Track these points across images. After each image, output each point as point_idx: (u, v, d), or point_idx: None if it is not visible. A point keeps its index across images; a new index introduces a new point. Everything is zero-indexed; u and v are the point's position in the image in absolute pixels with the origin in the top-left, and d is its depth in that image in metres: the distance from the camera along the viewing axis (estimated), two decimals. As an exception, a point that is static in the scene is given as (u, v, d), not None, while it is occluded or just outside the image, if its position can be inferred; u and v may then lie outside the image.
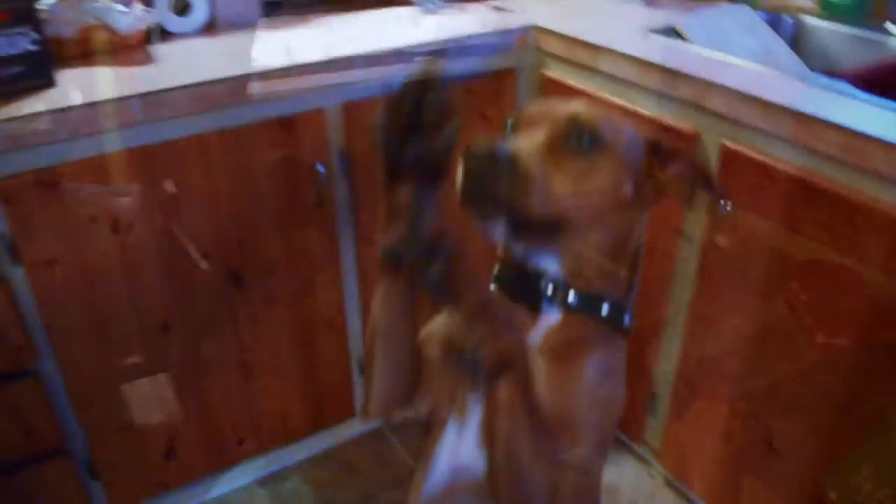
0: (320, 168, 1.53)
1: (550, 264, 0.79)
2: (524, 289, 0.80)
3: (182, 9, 1.65)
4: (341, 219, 1.63)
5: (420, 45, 1.58)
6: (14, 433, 1.41)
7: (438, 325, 0.85)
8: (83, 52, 1.51)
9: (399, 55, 1.54)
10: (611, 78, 1.54)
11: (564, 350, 0.78)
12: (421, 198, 0.67)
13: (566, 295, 0.79)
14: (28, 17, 1.30)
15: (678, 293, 1.52)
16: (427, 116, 0.64)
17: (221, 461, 1.74)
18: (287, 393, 1.75)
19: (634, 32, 1.62)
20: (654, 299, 1.56)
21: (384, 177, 0.69)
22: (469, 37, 1.64)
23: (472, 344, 0.64)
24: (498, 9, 1.83)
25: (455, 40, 1.62)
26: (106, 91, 1.33)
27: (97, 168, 1.32)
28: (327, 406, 1.84)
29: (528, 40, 1.71)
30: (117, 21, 1.49)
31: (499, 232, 0.73)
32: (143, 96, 1.32)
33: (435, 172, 0.67)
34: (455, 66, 1.62)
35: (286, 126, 1.48)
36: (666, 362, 1.60)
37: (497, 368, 0.67)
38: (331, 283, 1.69)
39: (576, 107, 0.78)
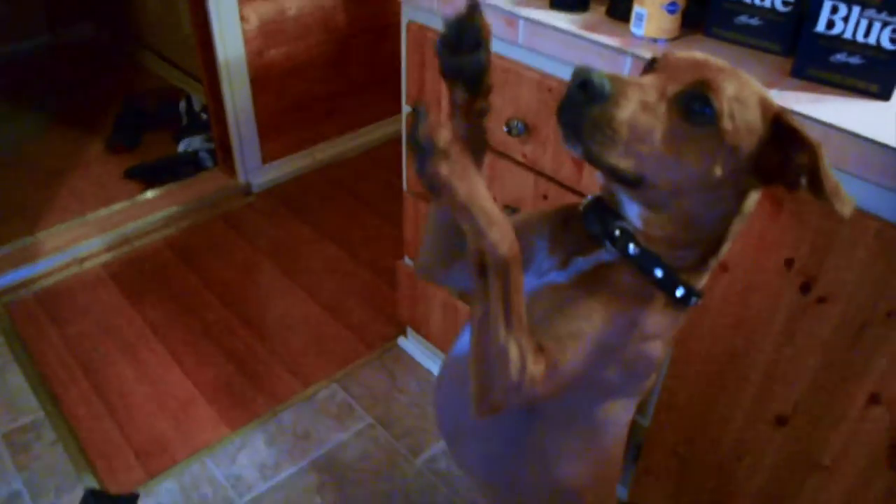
0: None
1: (630, 208, 0.81)
2: (598, 219, 0.84)
3: None
4: None
5: None
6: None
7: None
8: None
9: None
10: None
11: (600, 287, 0.83)
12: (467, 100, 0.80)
13: (628, 242, 0.81)
14: (898, 7, 0.99)
15: None
16: (466, 42, 0.77)
17: None
18: None
19: None
20: None
21: (445, 81, 0.81)
22: None
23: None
24: None
25: None
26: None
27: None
28: None
29: None
30: None
31: (577, 154, 0.75)
32: None
33: (474, 82, 0.79)
34: None
35: None
36: None
37: (481, 266, 0.73)
38: None
39: (714, 74, 0.74)
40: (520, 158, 1.44)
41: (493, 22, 1.36)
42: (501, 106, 1.41)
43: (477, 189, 0.71)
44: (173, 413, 1.86)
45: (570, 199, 1.39)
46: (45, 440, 1.78)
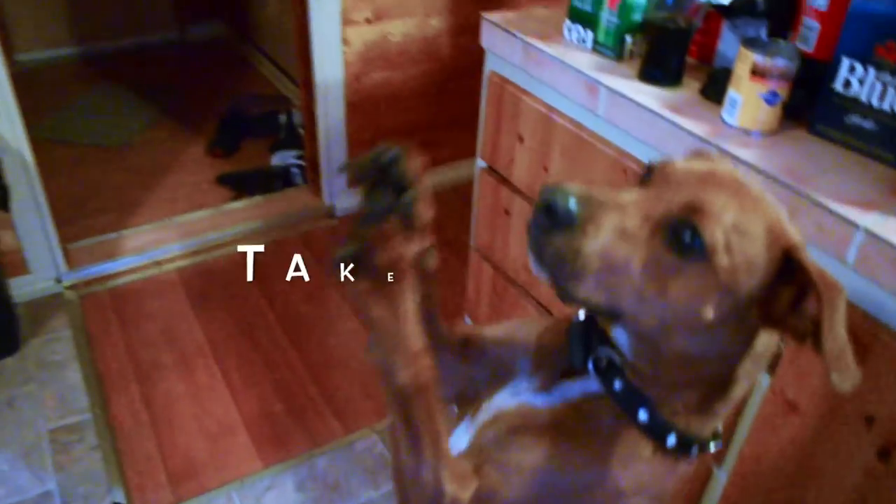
0: None
1: (619, 335, 0.70)
2: (583, 344, 0.73)
3: None
4: None
5: None
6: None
7: None
8: None
9: None
10: None
11: (576, 422, 0.72)
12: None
13: (614, 377, 0.70)
14: None
15: None
16: (389, 183, 0.65)
17: None
18: None
19: None
20: None
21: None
22: None
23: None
24: None
25: None
26: None
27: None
28: None
29: None
30: None
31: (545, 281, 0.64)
32: None
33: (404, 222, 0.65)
34: None
35: None
36: None
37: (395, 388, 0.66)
38: None
39: (712, 196, 0.61)
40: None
41: (573, 85, 1.25)
42: (571, 178, 1.29)
43: (395, 318, 0.64)
44: (212, 437, 1.83)
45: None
46: (87, 444, 1.80)
